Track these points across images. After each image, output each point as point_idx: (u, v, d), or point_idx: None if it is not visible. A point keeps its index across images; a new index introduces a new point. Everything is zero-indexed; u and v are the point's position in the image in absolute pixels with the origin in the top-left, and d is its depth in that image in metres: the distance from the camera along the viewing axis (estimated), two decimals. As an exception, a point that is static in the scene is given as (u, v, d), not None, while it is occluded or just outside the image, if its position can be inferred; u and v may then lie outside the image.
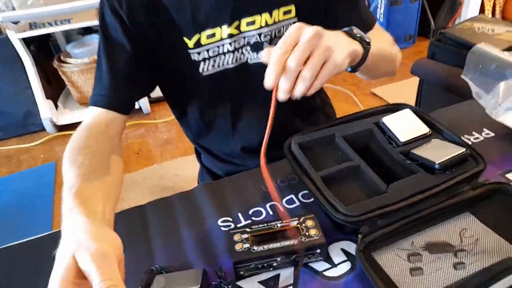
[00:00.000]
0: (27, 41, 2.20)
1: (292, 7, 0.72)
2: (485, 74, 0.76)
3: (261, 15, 0.70)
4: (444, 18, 3.22)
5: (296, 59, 0.49)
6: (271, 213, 0.62)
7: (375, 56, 0.63)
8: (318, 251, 0.53)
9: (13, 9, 2.03)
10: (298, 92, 0.51)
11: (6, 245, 0.62)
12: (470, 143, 0.73)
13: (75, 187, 0.51)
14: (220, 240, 0.58)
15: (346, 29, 0.59)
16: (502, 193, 0.59)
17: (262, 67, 0.75)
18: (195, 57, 0.71)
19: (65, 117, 2.39)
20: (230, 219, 0.61)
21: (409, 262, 0.52)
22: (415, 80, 1.61)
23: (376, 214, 0.54)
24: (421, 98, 1.65)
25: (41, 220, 1.81)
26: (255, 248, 0.52)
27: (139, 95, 0.75)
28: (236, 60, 0.73)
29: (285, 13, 0.72)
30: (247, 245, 0.52)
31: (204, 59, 0.72)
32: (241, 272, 0.52)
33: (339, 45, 0.53)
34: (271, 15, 0.71)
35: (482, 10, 3.24)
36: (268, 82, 0.51)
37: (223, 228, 0.60)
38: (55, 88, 2.60)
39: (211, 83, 0.74)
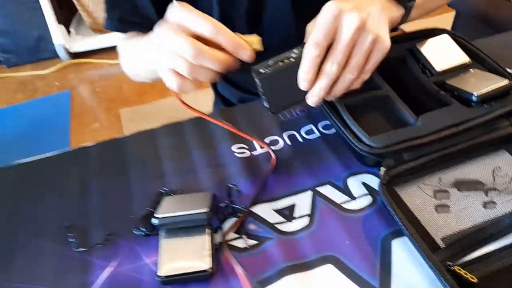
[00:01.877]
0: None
1: None
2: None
3: None
4: None
5: (336, 63, 0.44)
6: (289, 143, 0.58)
7: (421, 4, 0.55)
8: None
9: None
10: (337, 93, 0.47)
11: (21, 161, 0.61)
12: (511, 76, 0.66)
13: None
14: (234, 167, 0.55)
15: None
16: (545, 130, 0.53)
17: None
18: None
19: (78, 44, 2.32)
20: (246, 147, 0.58)
21: (435, 199, 0.48)
22: (450, 16, 1.47)
23: (403, 147, 0.50)
24: (455, 30, 1.53)
25: (57, 149, 1.83)
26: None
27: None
28: None
29: None
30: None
31: None
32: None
33: (381, 24, 0.46)
34: None
35: None
36: (303, 85, 0.46)
37: (237, 155, 0.57)
38: (67, 12, 2.51)
39: (224, 6, 0.66)
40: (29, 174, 0.58)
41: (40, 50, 2.34)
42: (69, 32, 2.37)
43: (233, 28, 0.77)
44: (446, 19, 1.50)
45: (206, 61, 0.43)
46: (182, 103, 0.50)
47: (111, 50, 2.35)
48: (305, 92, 0.47)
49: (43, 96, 2.16)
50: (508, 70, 0.68)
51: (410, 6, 0.53)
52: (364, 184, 0.52)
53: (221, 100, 0.92)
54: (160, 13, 0.69)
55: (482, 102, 0.53)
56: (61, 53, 2.30)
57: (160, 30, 0.45)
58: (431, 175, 0.51)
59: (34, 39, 2.31)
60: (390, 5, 0.51)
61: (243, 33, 0.46)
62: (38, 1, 2.17)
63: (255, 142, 0.58)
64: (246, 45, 0.45)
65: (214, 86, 0.93)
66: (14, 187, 0.57)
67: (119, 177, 0.55)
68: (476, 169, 0.51)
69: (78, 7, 2.28)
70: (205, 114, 0.53)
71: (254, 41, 0.46)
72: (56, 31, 2.23)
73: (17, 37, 2.29)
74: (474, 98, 0.53)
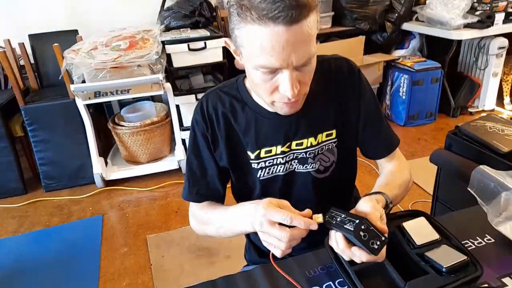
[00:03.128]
0: (88, 104, 2.54)
1: (334, 131, 0.95)
2: (486, 189, 0.95)
3: (308, 139, 0.93)
4: (464, 98, 3.45)
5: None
6: (314, 295, 0.80)
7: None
8: None
9: (83, 81, 2.37)
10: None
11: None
12: (473, 246, 0.90)
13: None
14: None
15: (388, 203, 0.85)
16: (494, 296, 0.76)
17: (305, 175, 0.98)
18: (254, 165, 0.94)
19: (113, 173, 2.65)
20: (282, 299, 0.80)
21: None
22: (435, 168, 1.79)
23: (396, 306, 0.72)
24: (439, 180, 1.83)
25: (87, 272, 2.01)
26: None
27: (225, 188, 1.01)
28: (286, 170, 0.95)
29: (327, 135, 0.94)
30: None
31: (261, 168, 0.94)
32: None
33: None
34: (315, 138, 0.93)
35: (500, 91, 3.46)
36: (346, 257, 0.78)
37: (279, 306, 0.78)
38: (104, 144, 2.91)
39: (264, 185, 0.96)
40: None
41: (79, 177, 2.67)
42: (106, 162, 2.72)
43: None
44: (432, 172, 1.81)
45: (294, 241, 0.73)
46: (274, 263, 0.79)
47: (140, 179, 2.68)
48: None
49: (77, 219, 2.40)
50: (471, 240, 0.93)
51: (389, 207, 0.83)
52: (370, 333, 0.73)
53: (253, 246, 1.16)
54: (224, 187, 0.99)
55: (449, 272, 0.76)
56: (98, 181, 2.62)
57: (258, 220, 0.76)
58: (418, 328, 0.72)
59: (75, 168, 2.65)
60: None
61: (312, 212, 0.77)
62: (85, 136, 2.56)
63: (290, 296, 0.81)
64: (312, 222, 0.74)
65: (248, 235, 1.18)
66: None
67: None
68: (449, 324, 0.72)
69: (118, 143, 2.67)
70: (288, 275, 0.80)
71: (320, 216, 0.76)
72: (97, 162, 2.58)
73: (61, 166, 2.64)
74: (444, 270, 0.76)
